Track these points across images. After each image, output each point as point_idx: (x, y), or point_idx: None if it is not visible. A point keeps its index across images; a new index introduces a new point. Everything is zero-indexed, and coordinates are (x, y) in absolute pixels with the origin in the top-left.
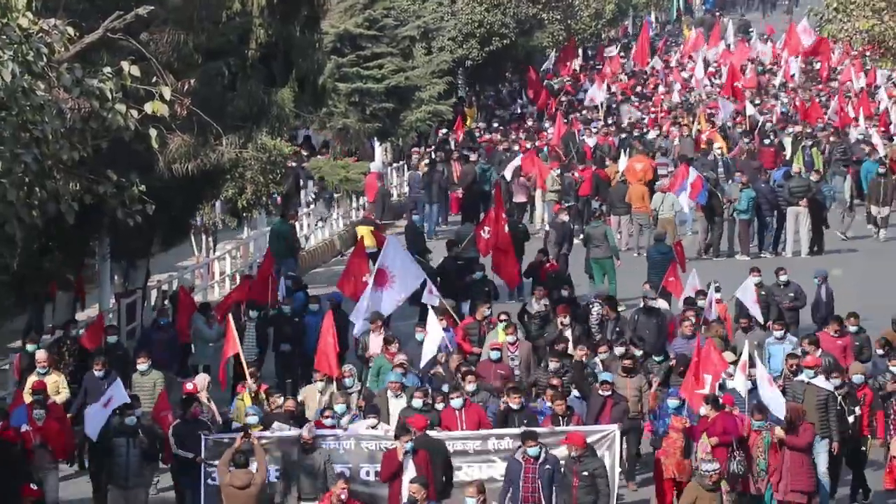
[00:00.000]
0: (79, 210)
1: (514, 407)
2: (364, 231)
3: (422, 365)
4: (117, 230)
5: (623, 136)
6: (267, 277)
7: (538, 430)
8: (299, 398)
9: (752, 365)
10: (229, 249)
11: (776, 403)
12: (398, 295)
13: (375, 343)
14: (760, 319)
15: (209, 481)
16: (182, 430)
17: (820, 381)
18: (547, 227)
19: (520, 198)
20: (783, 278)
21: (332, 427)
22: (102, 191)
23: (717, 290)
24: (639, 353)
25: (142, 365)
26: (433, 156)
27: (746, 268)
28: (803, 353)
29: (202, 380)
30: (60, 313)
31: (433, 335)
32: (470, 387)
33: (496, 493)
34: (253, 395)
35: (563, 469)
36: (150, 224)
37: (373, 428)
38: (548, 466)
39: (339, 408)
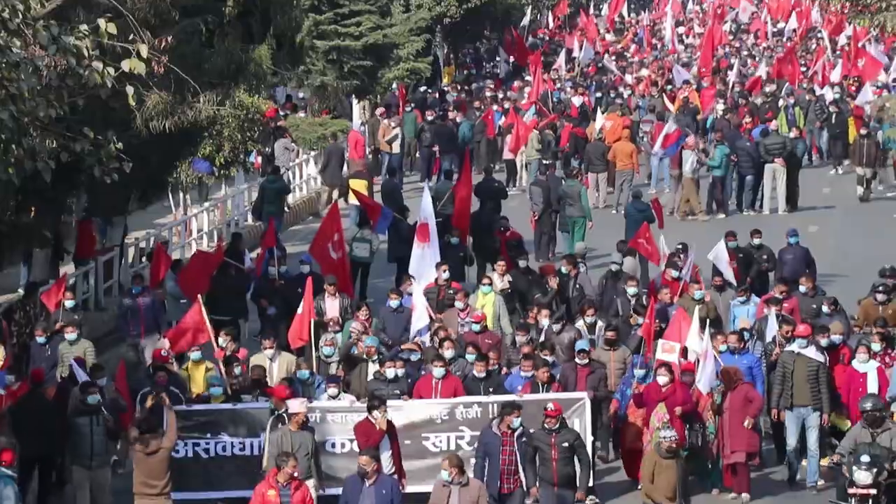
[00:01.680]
0: (56, 167)
1: (479, 375)
2: (358, 185)
3: (413, 338)
4: (94, 187)
5: (599, 94)
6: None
7: (499, 398)
8: (250, 366)
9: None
10: (207, 207)
11: (707, 378)
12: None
13: (332, 307)
14: (733, 282)
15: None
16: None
17: (811, 351)
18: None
19: (509, 155)
20: (756, 241)
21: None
22: (79, 148)
23: (683, 249)
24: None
25: (70, 334)
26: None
27: (722, 227)
28: (782, 321)
29: (164, 344)
30: (38, 271)
31: (420, 309)
32: (448, 353)
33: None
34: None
35: (533, 442)
36: (128, 181)
37: (334, 398)
38: (524, 438)
39: (302, 373)
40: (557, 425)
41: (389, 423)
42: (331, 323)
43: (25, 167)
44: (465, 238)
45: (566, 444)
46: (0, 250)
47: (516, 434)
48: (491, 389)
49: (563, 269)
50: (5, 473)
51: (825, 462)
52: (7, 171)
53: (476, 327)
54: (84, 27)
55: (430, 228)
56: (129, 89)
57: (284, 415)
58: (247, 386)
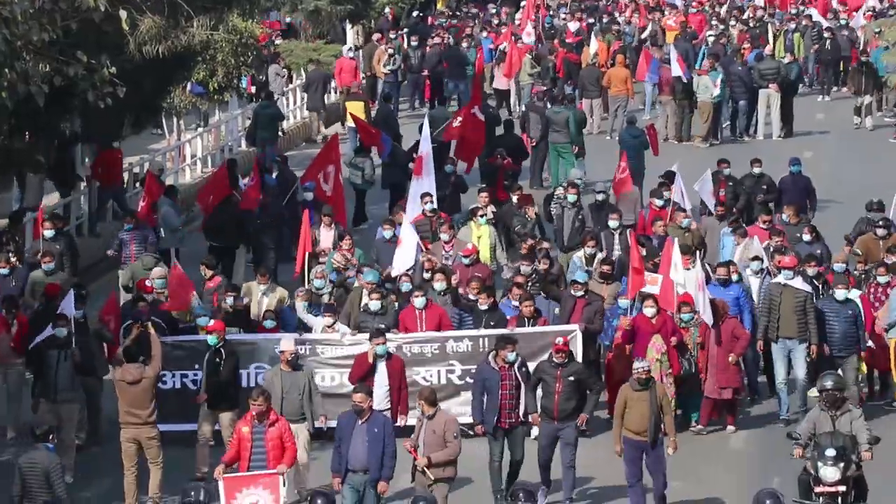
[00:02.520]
0: (49, 91)
1: (483, 307)
2: (355, 107)
3: (394, 273)
4: (88, 112)
5: (592, 20)
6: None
7: (490, 332)
8: (242, 293)
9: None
10: (200, 132)
11: (704, 307)
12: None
13: (326, 237)
14: (712, 209)
15: (160, 385)
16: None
17: (797, 282)
18: (523, 110)
19: (500, 83)
20: (756, 170)
21: (275, 329)
22: (73, 72)
23: (667, 176)
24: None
25: (47, 265)
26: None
27: (716, 155)
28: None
29: (160, 272)
30: (30, 196)
31: (408, 241)
32: (438, 285)
33: (455, 395)
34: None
35: (538, 374)
36: (121, 106)
37: (329, 328)
38: (523, 369)
39: (299, 305)
40: (564, 360)
41: (395, 358)
42: (321, 253)
43: (18, 91)
44: (470, 166)
45: (571, 379)
46: None
47: (516, 366)
48: (493, 323)
49: (570, 197)
50: None
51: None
52: (0, 95)
53: (466, 260)
54: None
55: (427, 160)
56: (122, 13)
57: (222, 349)
58: (230, 318)
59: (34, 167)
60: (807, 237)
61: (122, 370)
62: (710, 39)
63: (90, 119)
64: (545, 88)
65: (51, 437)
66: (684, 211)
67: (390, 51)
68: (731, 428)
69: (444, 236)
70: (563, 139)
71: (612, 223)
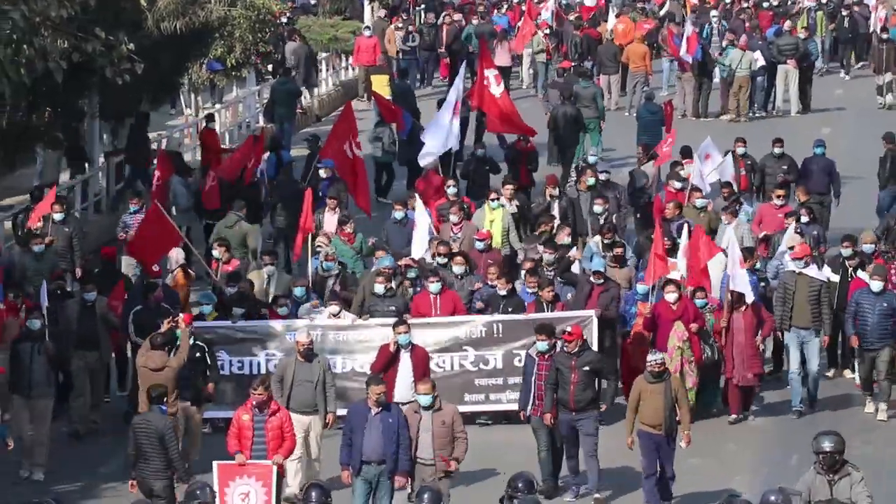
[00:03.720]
0: (67, 68)
1: (502, 293)
2: (379, 80)
3: (414, 255)
4: (106, 88)
5: None
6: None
7: (504, 317)
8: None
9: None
10: (218, 109)
11: (744, 285)
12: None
13: (330, 222)
14: (706, 186)
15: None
16: (143, 316)
17: (812, 270)
18: (543, 89)
19: (503, 60)
20: (777, 150)
21: (286, 317)
22: (91, 49)
23: (686, 154)
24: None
25: (37, 246)
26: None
27: (733, 131)
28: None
29: (176, 255)
30: (48, 173)
31: (422, 225)
32: (457, 269)
33: (469, 382)
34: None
35: (553, 365)
36: (139, 83)
37: (335, 316)
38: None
39: (298, 291)
40: (577, 348)
41: (419, 348)
42: (323, 235)
43: (37, 67)
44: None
45: (587, 368)
46: (12, 151)
47: (549, 356)
48: (510, 309)
49: (590, 180)
50: None
51: None
52: (18, 71)
53: (480, 245)
54: None
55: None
56: None
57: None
58: (234, 299)
59: (52, 144)
60: (804, 218)
61: (146, 356)
62: (714, 19)
63: (108, 96)
64: (573, 64)
65: (164, 400)
66: (699, 191)
67: (409, 27)
68: (752, 417)
69: (453, 217)
70: (592, 114)
71: (597, 208)
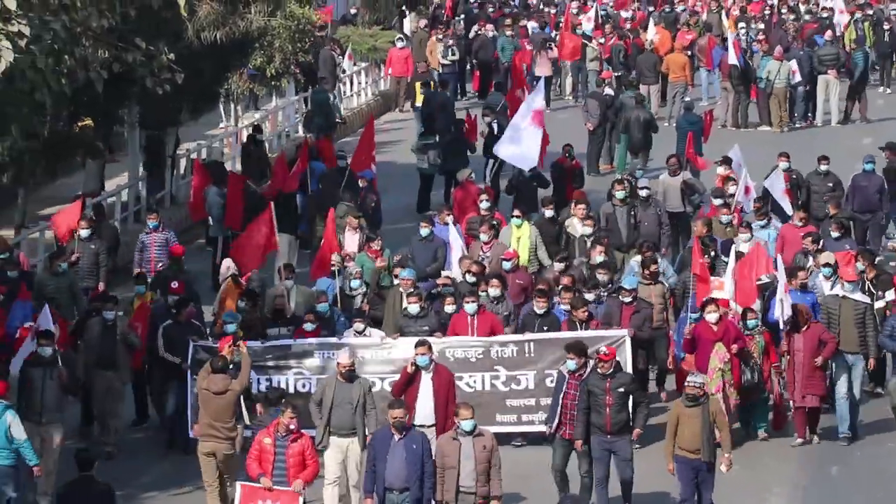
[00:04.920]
0: (108, 78)
1: (539, 311)
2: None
3: (454, 272)
4: (146, 98)
5: (651, 8)
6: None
7: (535, 336)
8: (268, 295)
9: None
10: (258, 118)
11: (788, 307)
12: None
13: (351, 241)
14: (790, 211)
15: (196, 391)
16: (173, 332)
17: (857, 294)
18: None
19: (543, 71)
20: (823, 168)
21: (315, 332)
22: (131, 59)
23: (725, 161)
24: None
25: (61, 264)
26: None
27: (772, 141)
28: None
29: (226, 264)
30: (90, 182)
31: (456, 244)
32: (493, 291)
33: (500, 402)
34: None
35: (587, 387)
36: (179, 92)
37: (360, 333)
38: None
39: (321, 307)
40: (612, 370)
41: (442, 369)
42: (346, 257)
43: (78, 77)
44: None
45: (621, 390)
46: (53, 161)
47: (579, 375)
48: (546, 328)
49: (619, 193)
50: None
51: None
52: (60, 81)
53: (507, 265)
54: None
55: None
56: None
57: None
58: (268, 317)
59: (93, 153)
60: (835, 234)
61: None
62: (742, 31)
63: (148, 105)
64: (618, 74)
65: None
66: (728, 207)
67: (449, 41)
68: (816, 439)
69: (483, 237)
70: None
71: (586, 230)
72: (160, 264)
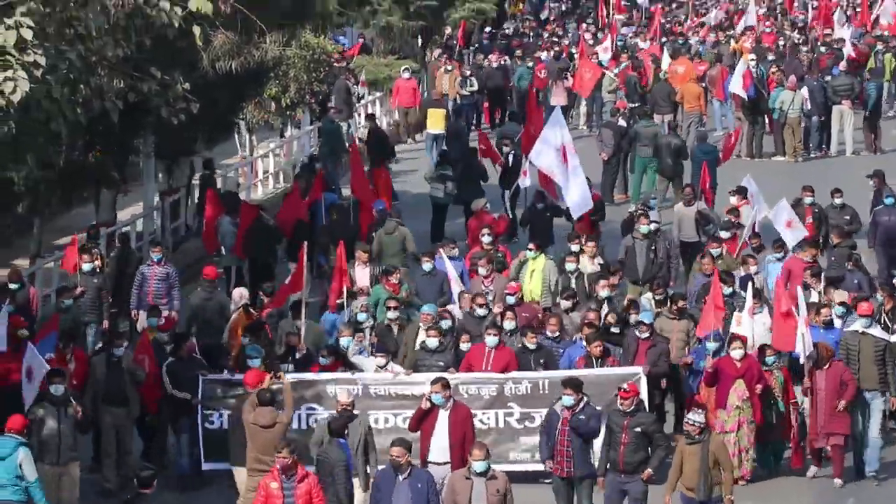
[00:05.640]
0: (123, 107)
1: (531, 346)
2: (436, 114)
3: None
4: (161, 128)
5: (664, 40)
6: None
7: (551, 374)
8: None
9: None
10: (273, 148)
11: (807, 343)
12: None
13: (362, 275)
14: (791, 244)
15: (207, 425)
16: (177, 368)
17: (876, 330)
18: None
19: (559, 100)
20: (838, 200)
21: (333, 366)
22: (146, 88)
23: (739, 191)
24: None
25: (66, 300)
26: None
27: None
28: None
29: (239, 293)
30: (104, 211)
31: (451, 273)
32: (508, 324)
33: (513, 440)
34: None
35: (607, 423)
36: (194, 122)
37: (382, 368)
38: (581, 417)
39: (344, 341)
40: (632, 407)
41: (459, 406)
42: (359, 292)
43: (93, 107)
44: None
45: (639, 430)
46: (69, 190)
47: (575, 411)
48: (542, 361)
49: (643, 228)
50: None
51: None
52: (75, 110)
53: (511, 299)
54: None
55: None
56: (196, 29)
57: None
58: (282, 353)
59: (108, 183)
60: (848, 266)
61: (256, 413)
62: (752, 63)
63: (163, 135)
64: (633, 105)
65: (346, 433)
66: (719, 241)
67: (466, 71)
68: (837, 482)
69: (481, 270)
70: (651, 154)
71: (603, 292)
72: (162, 299)
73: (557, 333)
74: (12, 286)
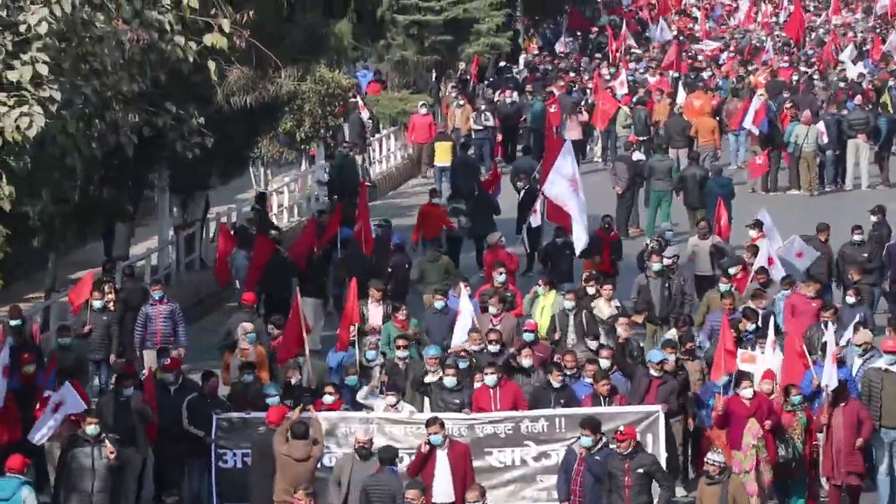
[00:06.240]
0: (138, 142)
1: (556, 385)
2: (442, 147)
3: (454, 342)
4: (176, 162)
5: (676, 74)
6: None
7: (566, 411)
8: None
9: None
10: (287, 182)
11: (829, 378)
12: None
13: (375, 314)
14: (801, 269)
15: (220, 464)
16: (197, 404)
17: None
18: (612, 163)
19: (573, 134)
20: (857, 237)
21: (336, 405)
22: (161, 123)
23: (756, 225)
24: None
25: (63, 339)
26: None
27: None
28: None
29: (242, 328)
30: (119, 245)
31: (466, 314)
32: (525, 362)
33: (531, 479)
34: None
35: (608, 469)
36: (209, 156)
37: (393, 407)
38: (597, 458)
39: (350, 380)
40: (630, 449)
41: (457, 444)
42: (371, 331)
43: (108, 141)
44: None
45: (641, 471)
46: (84, 225)
47: (593, 452)
48: (562, 401)
49: (655, 266)
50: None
51: None
52: (90, 145)
53: (529, 336)
54: (167, 1)
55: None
56: (211, 64)
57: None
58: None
59: (122, 217)
60: (850, 299)
61: (290, 446)
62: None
63: (178, 169)
64: (643, 139)
65: (396, 461)
66: (728, 277)
67: (482, 105)
68: None
69: (492, 309)
70: (665, 187)
71: (568, 303)
72: (169, 337)
73: (574, 370)
74: (13, 323)
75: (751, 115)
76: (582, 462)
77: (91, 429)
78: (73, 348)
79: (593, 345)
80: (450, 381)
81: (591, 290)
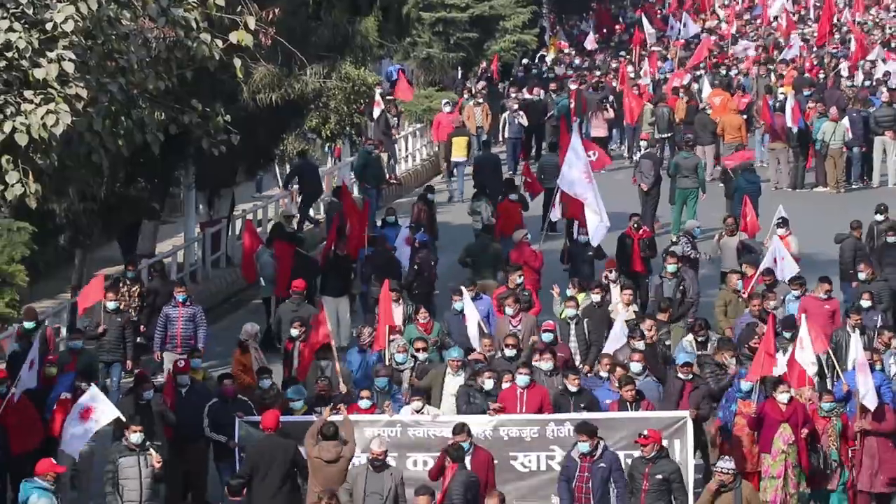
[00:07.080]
0: (164, 139)
1: (573, 389)
2: (459, 142)
3: (476, 345)
4: (202, 159)
5: (700, 72)
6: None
7: (592, 416)
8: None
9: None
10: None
11: (866, 389)
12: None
13: (395, 313)
14: (788, 274)
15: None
16: (219, 410)
17: None
18: (637, 158)
19: (599, 132)
20: (892, 239)
21: (371, 409)
22: (187, 120)
23: (782, 223)
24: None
25: (75, 342)
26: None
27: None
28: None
29: (251, 328)
30: (145, 243)
31: (471, 315)
32: (545, 365)
33: (554, 485)
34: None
35: (629, 470)
36: (235, 153)
37: (418, 412)
38: (602, 465)
39: (380, 382)
40: (653, 453)
41: (479, 451)
42: (393, 330)
43: (134, 139)
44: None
45: (660, 477)
46: (110, 222)
47: (594, 458)
48: (582, 405)
49: (670, 267)
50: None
51: None
52: (117, 142)
53: (548, 336)
54: None
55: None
56: (237, 62)
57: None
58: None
59: (149, 214)
60: (865, 303)
61: (320, 448)
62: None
63: (204, 166)
64: (664, 136)
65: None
66: (739, 273)
67: (514, 105)
68: None
69: (508, 310)
70: (692, 184)
71: (569, 311)
72: (190, 339)
73: (607, 374)
74: (27, 325)
75: (789, 113)
76: (584, 469)
77: (135, 437)
78: (84, 351)
79: (639, 344)
80: (488, 383)
81: (595, 298)
